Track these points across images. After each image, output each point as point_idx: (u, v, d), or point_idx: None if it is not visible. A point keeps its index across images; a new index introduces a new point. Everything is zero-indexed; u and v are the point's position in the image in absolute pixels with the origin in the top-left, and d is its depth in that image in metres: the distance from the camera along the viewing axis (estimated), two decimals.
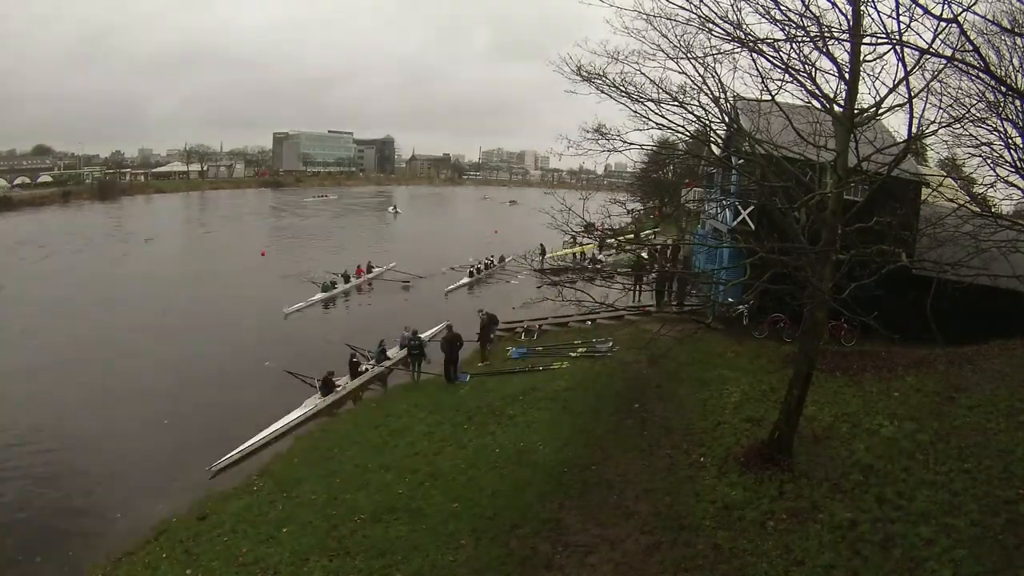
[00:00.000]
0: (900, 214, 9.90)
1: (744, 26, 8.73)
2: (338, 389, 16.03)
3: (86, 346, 19.36)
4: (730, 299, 14.21)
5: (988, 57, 9.75)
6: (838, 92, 8.77)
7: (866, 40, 8.02)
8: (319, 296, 26.37)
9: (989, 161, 12.63)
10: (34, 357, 18.15)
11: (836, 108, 8.83)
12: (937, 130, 10.03)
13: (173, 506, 10.99)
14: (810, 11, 8.26)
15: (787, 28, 8.47)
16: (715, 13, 8.69)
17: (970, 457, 8.57)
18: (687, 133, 10.79)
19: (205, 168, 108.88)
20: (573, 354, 16.18)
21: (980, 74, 8.29)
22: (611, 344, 16.41)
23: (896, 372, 11.94)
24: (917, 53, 7.13)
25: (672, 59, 9.44)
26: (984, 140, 12.32)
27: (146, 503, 10.98)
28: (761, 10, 8.58)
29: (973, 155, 13.39)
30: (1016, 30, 10.51)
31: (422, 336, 17.71)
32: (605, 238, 12.14)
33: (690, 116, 9.87)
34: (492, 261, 34.15)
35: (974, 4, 6.56)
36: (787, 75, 8.82)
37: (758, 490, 8.87)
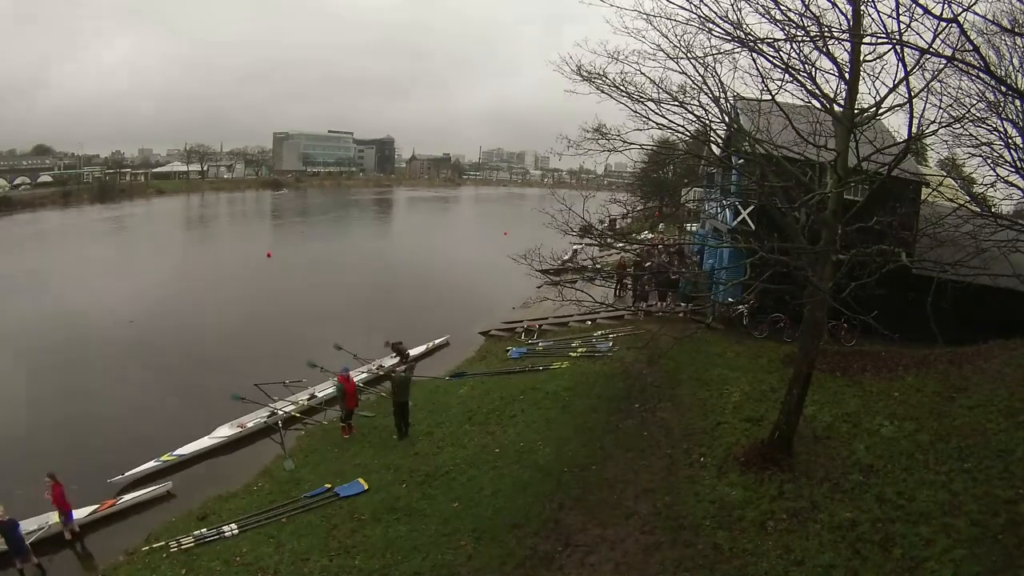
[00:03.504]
0: (900, 214, 9.91)
1: (744, 26, 8.75)
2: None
3: None
4: (730, 299, 14.20)
5: (988, 57, 9.76)
6: (838, 92, 8.78)
7: (866, 40, 8.03)
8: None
9: (989, 161, 12.64)
10: None
11: (836, 108, 8.84)
12: (937, 130, 10.04)
13: (173, 506, 11.01)
14: (810, 11, 8.28)
15: (787, 28, 8.49)
16: (715, 13, 8.73)
17: (970, 457, 8.59)
18: (687, 133, 10.80)
19: (205, 168, 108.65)
20: (573, 354, 16.17)
21: (980, 74, 8.29)
22: (611, 344, 16.41)
23: (896, 372, 11.95)
24: (917, 53, 7.14)
25: (672, 59, 9.48)
26: (984, 140, 12.33)
27: None
28: (761, 10, 8.61)
29: (973, 155, 13.41)
30: (1016, 30, 10.52)
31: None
32: (606, 239, 12.08)
33: (690, 116, 9.90)
34: None
35: (974, 4, 6.56)
36: (787, 75, 8.84)
37: (758, 490, 8.87)
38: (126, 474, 11.81)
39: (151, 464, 12.28)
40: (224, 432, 13.69)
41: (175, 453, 12.71)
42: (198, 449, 13.06)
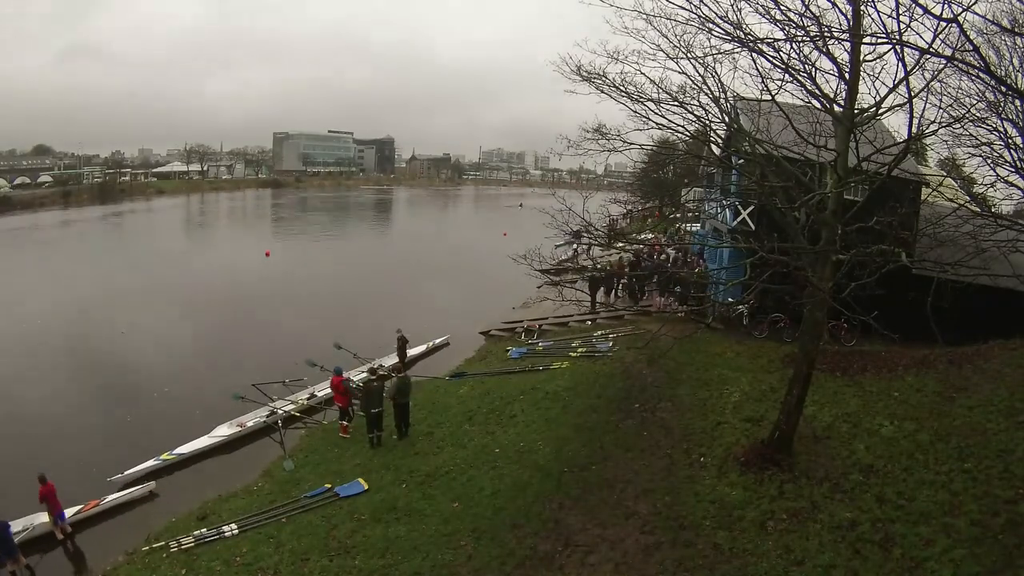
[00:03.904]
0: (900, 214, 9.90)
1: (744, 26, 8.75)
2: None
3: None
4: (730, 299, 14.20)
5: (988, 57, 9.76)
6: (838, 92, 8.77)
7: (866, 40, 8.03)
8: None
9: (989, 161, 12.63)
10: None
11: (836, 108, 8.84)
12: (937, 130, 10.04)
13: (173, 506, 11.01)
14: (810, 11, 8.28)
15: (787, 28, 8.49)
16: (715, 13, 8.72)
17: (970, 457, 8.58)
18: (687, 133, 10.80)
19: (205, 168, 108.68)
20: (573, 354, 16.17)
21: (980, 74, 8.29)
22: (611, 344, 16.41)
23: (896, 372, 11.94)
24: (917, 53, 7.13)
25: (672, 59, 9.46)
26: (984, 140, 12.32)
27: None
28: (761, 10, 8.60)
29: (973, 155, 13.40)
30: (1016, 30, 10.52)
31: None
32: (602, 239, 12.07)
33: (690, 116, 9.89)
34: None
35: (974, 4, 6.56)
36: (787, 75, 8.83)
37: (758, 490, 8.87)
38: (125, 472, 11.81)
39: (151, 463, 12.28)
40: (223, 431, 13.69)
41: (175, 452, 12.71)
42: (197, 448, 13.06)
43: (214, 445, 13.33)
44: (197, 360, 18.64)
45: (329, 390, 15.08)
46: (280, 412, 14.21)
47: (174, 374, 17.29)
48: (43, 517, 10.12)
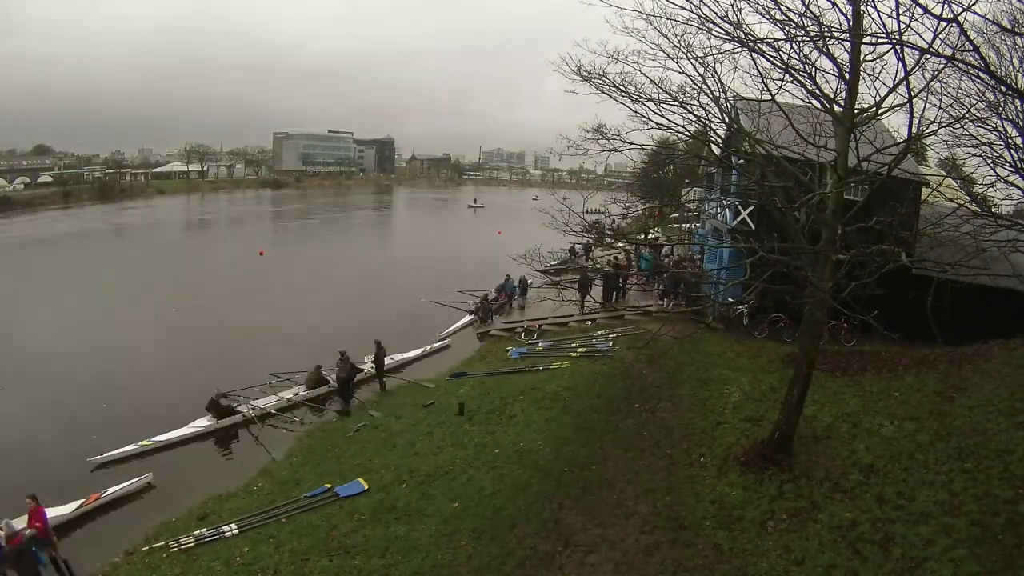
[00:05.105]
0: (900, 214, 9.90)
1: (744, 26, 8.74)
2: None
3: None
4: (730, 299, 14.21)
5: (988, 57, 9.75)
6: (838, 92, 8.78)
7: (866, 40, 8.03)
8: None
9: (989, 161, 12.63)
10: None
11: (836, 108, 8.84)
12: (937, 130, 10.06)
13: (173, 506, 11.01)
14: (810, 11, 8.28)
15: (787, 28, 8.48)
16: (715, 13, 8.71)
17: (970, 457, 8.58)
18: (687, 133, 10.79)
19: (205, 168, 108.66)
20: (573, 354, 16.18)
21: (980, 74, 8.29)
22: (611, 344, 16.41)
23: (896, 372, 11.94)
24: (917, 53, 7.14)
25: (672, 59, 9.46)
26: (984, 140, 12.32)
27: None
28: (761, 10, 8.60)
29: (973, 155, 13.41)
30: (1016, 30, 10.52)
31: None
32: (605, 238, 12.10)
33: (690, 116, 9.87)
34: None
35: (974, 4, 6.55)
36: (787, 75, 8.83)
37: (758, 490, 8.87)
38: (105, 455, 12.18)
39: (129, 448, 12.61)
40: (201, 423, 14.04)
41: (153, 439, 13.02)
42: (176, 436, 13.37)
43: (192, 435, 13.65)
44: (190, 358, 18.63)
45: (326, 390, 15.54)
46: (256, 409, 14.69)
47: (170, 371, 17.30)
48: (63, 509, 10.37)
